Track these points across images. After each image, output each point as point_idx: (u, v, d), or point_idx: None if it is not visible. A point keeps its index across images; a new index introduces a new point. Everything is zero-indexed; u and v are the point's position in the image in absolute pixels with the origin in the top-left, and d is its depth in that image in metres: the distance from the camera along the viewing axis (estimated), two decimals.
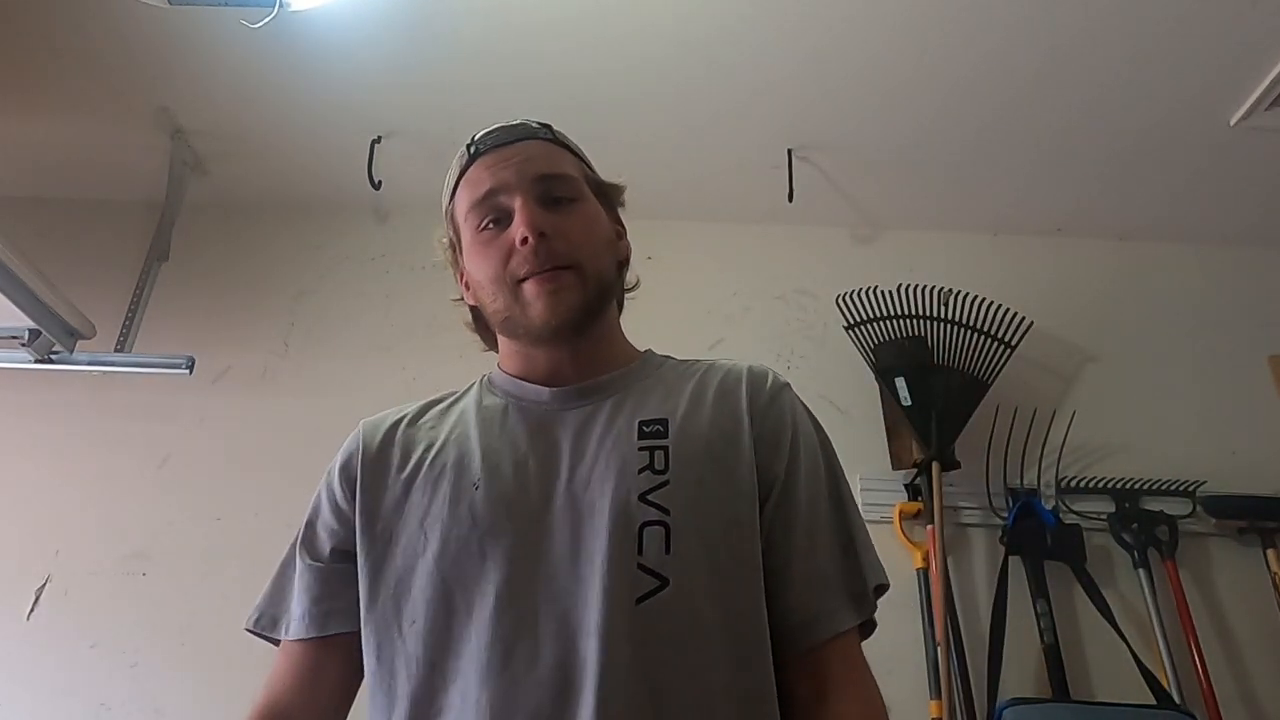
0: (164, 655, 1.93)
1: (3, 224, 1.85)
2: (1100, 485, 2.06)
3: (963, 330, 2.13)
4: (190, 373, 1.99)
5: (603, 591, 0.75)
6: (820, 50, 1.94)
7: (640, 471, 0.81)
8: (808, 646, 0.81)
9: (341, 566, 0.89)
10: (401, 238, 2.47)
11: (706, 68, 1.99)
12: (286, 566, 0.95)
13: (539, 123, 0.98)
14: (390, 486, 0.90)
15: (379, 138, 2.24)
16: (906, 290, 2.17)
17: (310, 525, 0.95)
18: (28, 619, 1.98)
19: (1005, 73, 1.97)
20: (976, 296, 2.15)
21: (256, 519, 2.08)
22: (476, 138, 0.96)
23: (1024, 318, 2.13)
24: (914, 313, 2.16)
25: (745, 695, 0.76)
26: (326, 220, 2.49)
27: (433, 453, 0.90)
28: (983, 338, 2.12)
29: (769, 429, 0.88)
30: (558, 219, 0.89)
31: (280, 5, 1.73)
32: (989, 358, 2.11)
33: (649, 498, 0.79)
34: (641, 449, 0.83)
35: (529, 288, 0.87)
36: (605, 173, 1.05)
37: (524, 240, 0.86)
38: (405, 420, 0.98)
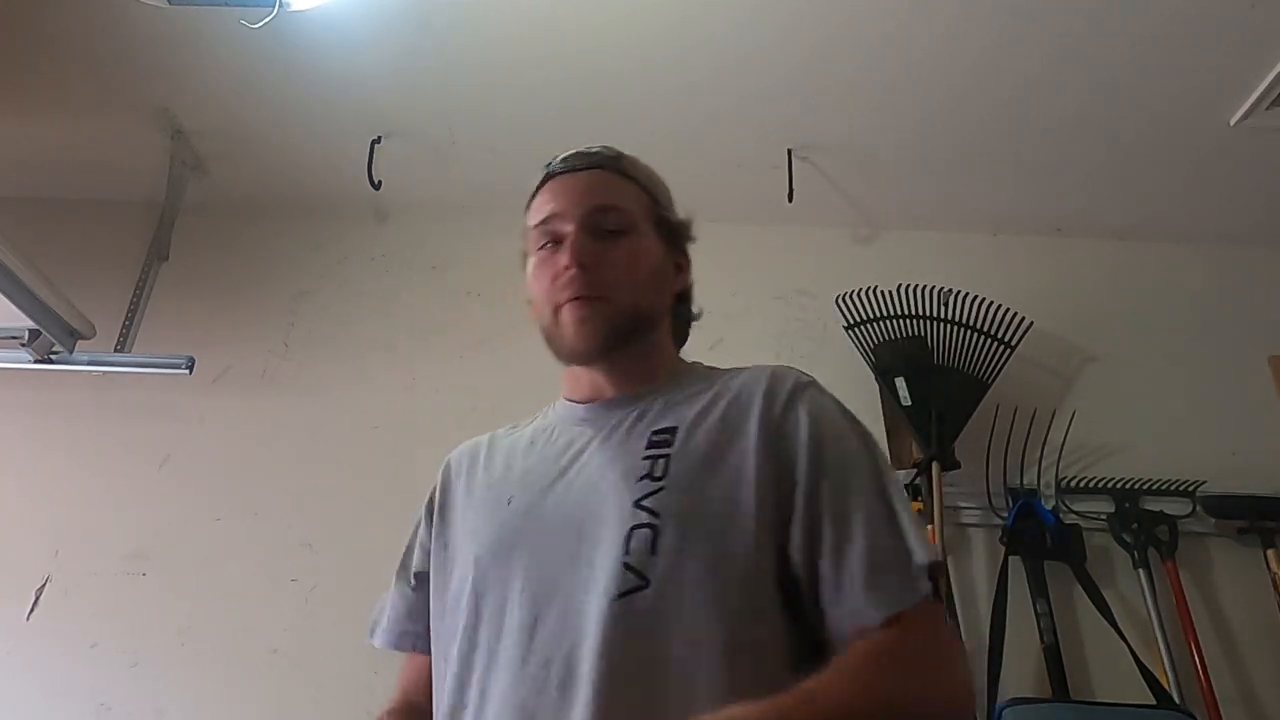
0: (164, 655, 1.93)
1: (3, 224, 1.85)
2: (1100, 485, 2.06)
3: (963, 330, 2.13)
4: (190, 373, 2.00)
5: (594, 593, 0.80)
6: (820, 50, 1.94)
7: (640, 479, 0.85)
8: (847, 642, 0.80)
9: (425, 594, 0.99)
10: (401, 238, 2.47)
11: (706, 68, 1.99)
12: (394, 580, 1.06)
13: (613, 153, 1.05)
14: (459, 512, 0.99)
15: (379, 138, 2.24)
16: (906, 290, 2.17)
17: (408, 550, 1.06)
18: (28, 619, 1.98)
19: (1005, 72, 1.97)
20: (976, 296, 2.15)
21: (256, 519, 2.08)
22: (553, 161, 1.05)
23: (1024, 318, 2.13)
24: (914, 313, 2.16)
25: (733, 692, 0.75)
26: (326, 220, 2.48)
27: (490, 476, 0.99)
28: (983, 338, 2.12)
29: (785, 433, 0.87)
30: (602, 250, 0.95)
31: (280, 5, 1.73)
32: (989, 358, 2.11)
33: (643, 503, 0.83)
34: (645, 458, 0.87)
35: (565, 312, 0.94)
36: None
37: (567, 267, 0.94)
38: (480, 447, 1.06)
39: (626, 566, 0.80)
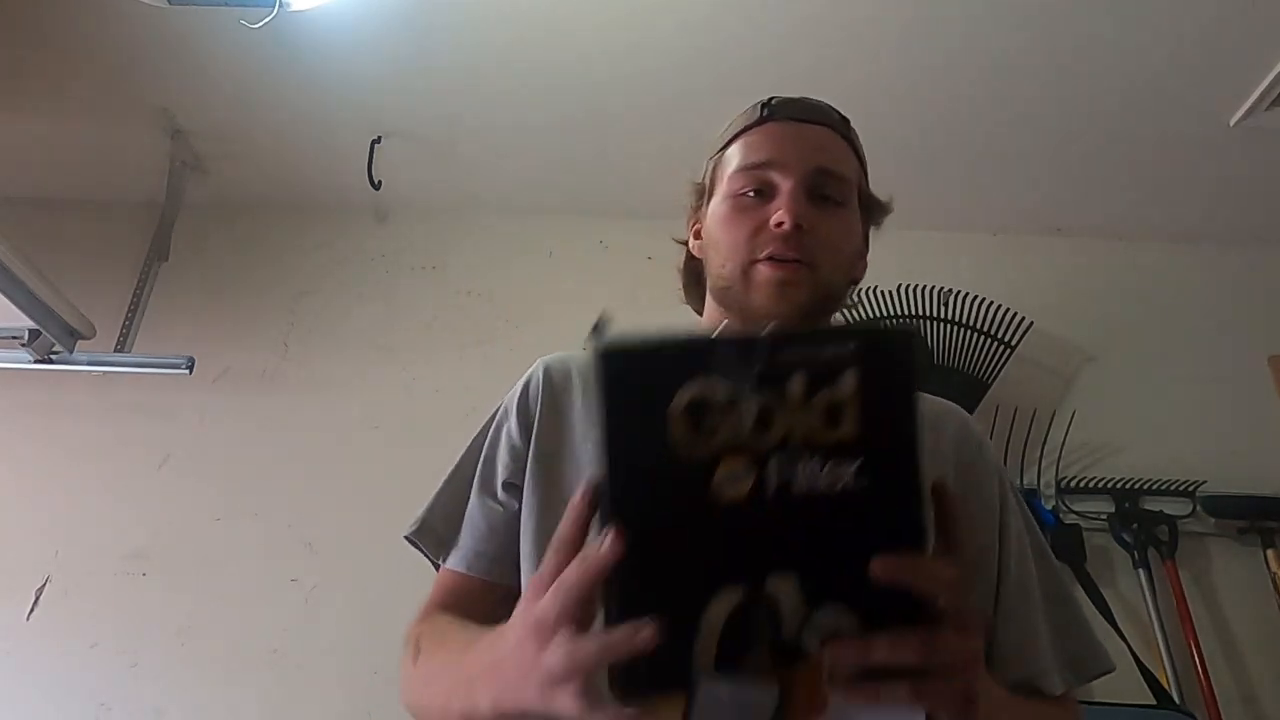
0: (164, 655, 1.93)
1: (3, 224, 1.85)
2: (1100, 485, 2.06)
3: (963, 330, 2.13)
4: (190, 373, 2.00)
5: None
6: (820, 55, 1.93)
7: None
8: None
9: (514, 511, 0.88)
10: (401, 238, 2.47)
11: (707, 72, 1.99)
12: (459, 483, 0.93)
13: (840, 114, 0.96)
14: (566, 430, 0.88)
15: (379, 138, 2.24)
16: (906, 290, 2.17)
17: (487, 457, 0.92)
18: (28, 619, 1.98)
19: (1006, 73, 1.97)
20: (976, 296, 2.15)
21: (256, 519, 2.08)
22: (774, 101, 0.95)
23: (1024, 318, 2.13)
24: (914, 313, 2.16)
25: None
26: (326, 220, 2.48)
27: None
28: (983, 338, 2.12)
29: (976, 476, 0.86)
30: (819, 217, 0.87)
31: (280, 5, 1.73)
32: (989, 358, 2.11)
33: None
34: None
35: (762, 269, 0.85)
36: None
37: (780, 224, 0.85)
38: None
39: None
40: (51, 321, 1.80)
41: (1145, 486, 2.06)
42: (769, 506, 0.48)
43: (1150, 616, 1.89)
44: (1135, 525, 2.00)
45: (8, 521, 2.08)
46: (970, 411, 2.04)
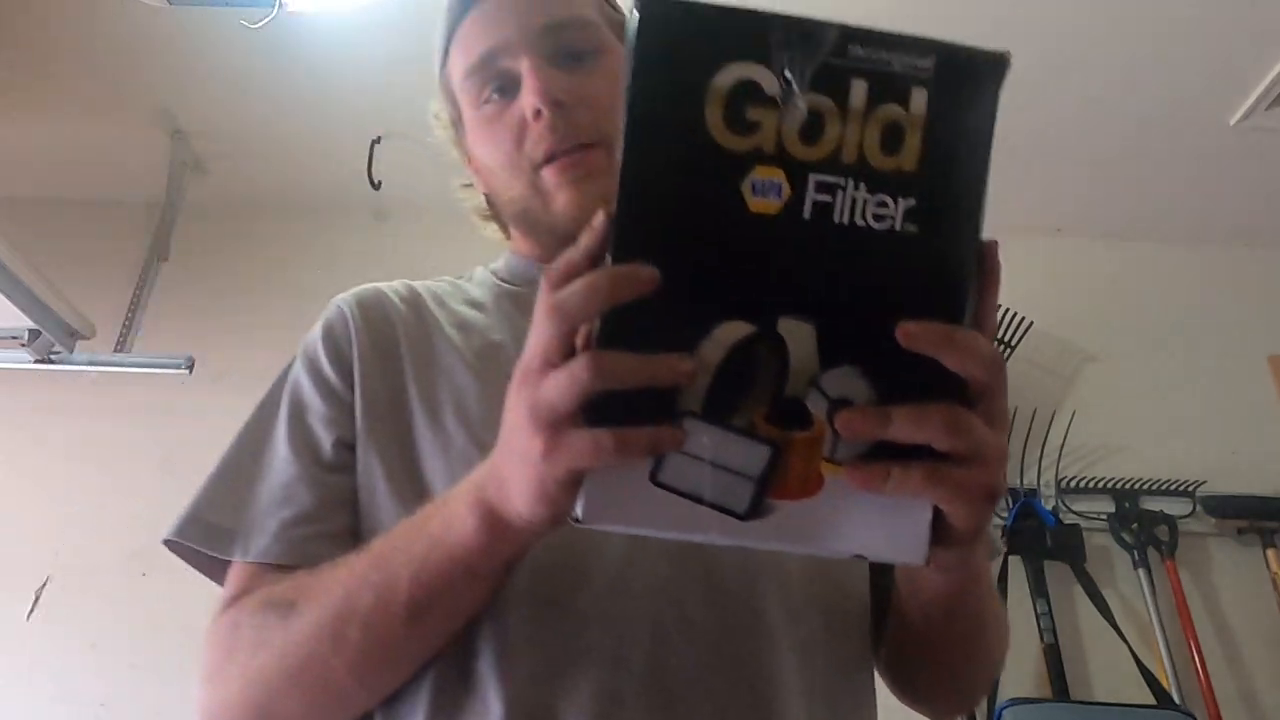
0: (164, 655, 1.93)
1: (3, 224, 1.85)
2: (1100, 485, 2.06)
3: None
4: (190, 373, 2.00)
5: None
6: None
7: None
8: None
9: (351, 475, 0.75)
10: (401, 238, 2.47)
11: None
12: (241, 466, 0.81)
13: None
14: (411, 361, 0.75)
15: (379, 138, 2.24)
16: None
17: (297, 423, 0.80)
18: (28, 619, 1.98)
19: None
20: None
21: None
22: None
23: (1024, 318, 2.13)
24: None
25: None
26: (326, 220, 2.48)
27: (472, 347, 0.74)
28: None
29: None
30: (576, 80, 0.70)
31: (280, 5, 1.73)
32: None
33: None
34: None
35: (550, 175, 0.70)
36: None
37: (536, 114, 0.68)
38: (419, 295, 0.83)
39: None
40: (51, 321, 1.80)
41: (1145, 486, 2.06)
42: (801, 229, 0.41)
43: (1150, 616, 1.89)
44: (1135, 525, 2.00)
45: (8, 521, 2.08)
46: None
